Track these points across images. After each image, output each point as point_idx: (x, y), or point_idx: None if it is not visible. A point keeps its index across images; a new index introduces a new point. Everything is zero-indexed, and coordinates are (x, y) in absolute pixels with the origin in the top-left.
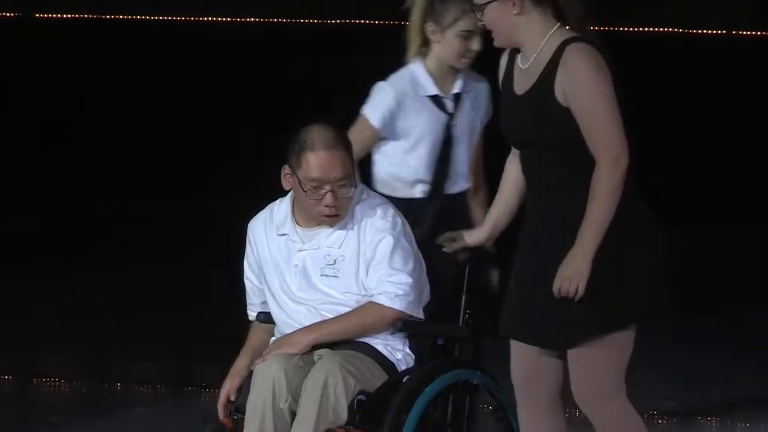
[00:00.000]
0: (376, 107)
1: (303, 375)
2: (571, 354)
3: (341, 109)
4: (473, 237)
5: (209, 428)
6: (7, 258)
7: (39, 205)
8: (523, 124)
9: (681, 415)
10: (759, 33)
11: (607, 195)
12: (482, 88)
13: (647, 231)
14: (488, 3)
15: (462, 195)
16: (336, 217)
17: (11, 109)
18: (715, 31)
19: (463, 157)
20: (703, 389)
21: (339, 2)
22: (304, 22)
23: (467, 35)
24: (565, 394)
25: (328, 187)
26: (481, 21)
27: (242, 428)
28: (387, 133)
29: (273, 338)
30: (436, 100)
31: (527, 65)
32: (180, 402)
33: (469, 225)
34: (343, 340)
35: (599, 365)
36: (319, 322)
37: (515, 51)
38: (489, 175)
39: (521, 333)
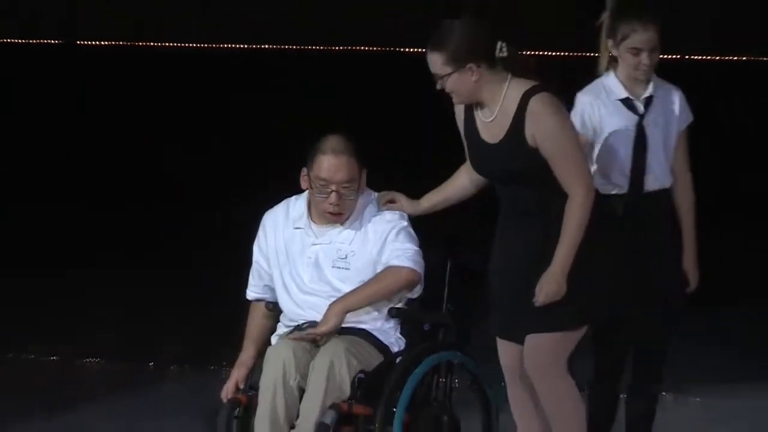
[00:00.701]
0: (575, 116)
1: (309, 357)
2: (533, 336)
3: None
4: (410, 206)
5: (229, 403)
6: (57, 255)
7: (91, 214)
8: (502, 167)
9: None
10: (714, 58)
11: (582, 221)
12: (674, 94)
13: (606, 237)
14: (449, 75)
15: (659, 193)
16: (339, 215)
17: (53, 128)
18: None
19: (658, 155)
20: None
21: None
22: (312, 48)
23: (635, 52)
24: None
25: (333, 187)
26: (442, 87)
27: (256, 403)
28: (587, 134)
29: (279, 324)
30: (627, 102)
31: (492, 118)
32: (204, 378)
33: (665, 222)
34: (369, 304)
35: (556, 347)
36: (344, 295)
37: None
38: None
39: (505, 332)
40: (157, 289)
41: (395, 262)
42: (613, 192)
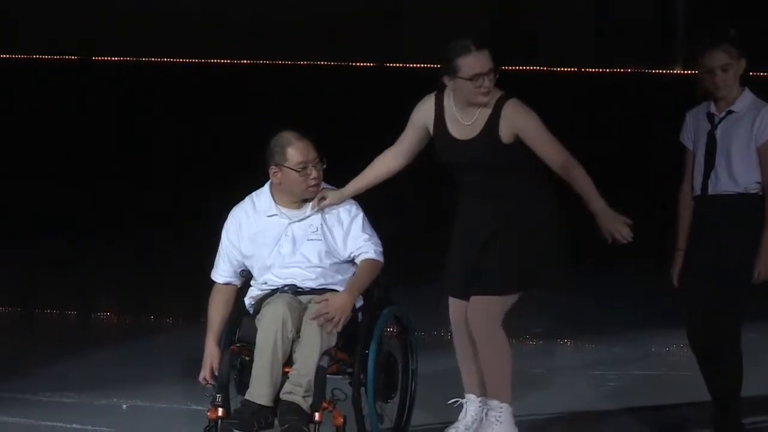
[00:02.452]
0: (683, 131)
1: (298, 314)
2: (476, 298)
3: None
4: (338, 197)
5: (227, 353)
6: (78, 229)
7: (97, 198)
8: (472, 159)
9: (544, 338)
10: (603, 70)
11: (582, 169)
12: (761, 112)
13: (558, 219)
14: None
15: (723, 197)
16: (317, 187)
17: (71, 135)
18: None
19: (724, 163)
20: (561, 321)
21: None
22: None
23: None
24: None
25: (310, 165)
26: (491, 81)
27: (245, 353)
28: (688, 145)
29: (251, 288)
30: (708, 115)
31: (472, 121)
32: (194, 329)
33: (730, 222)
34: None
35: (493, 307)
36: (349, 288)
37: (441, 107)
38: None
39: (455, 291)
40: (155, 257)
41: (373, 256)
42: (694, 193)
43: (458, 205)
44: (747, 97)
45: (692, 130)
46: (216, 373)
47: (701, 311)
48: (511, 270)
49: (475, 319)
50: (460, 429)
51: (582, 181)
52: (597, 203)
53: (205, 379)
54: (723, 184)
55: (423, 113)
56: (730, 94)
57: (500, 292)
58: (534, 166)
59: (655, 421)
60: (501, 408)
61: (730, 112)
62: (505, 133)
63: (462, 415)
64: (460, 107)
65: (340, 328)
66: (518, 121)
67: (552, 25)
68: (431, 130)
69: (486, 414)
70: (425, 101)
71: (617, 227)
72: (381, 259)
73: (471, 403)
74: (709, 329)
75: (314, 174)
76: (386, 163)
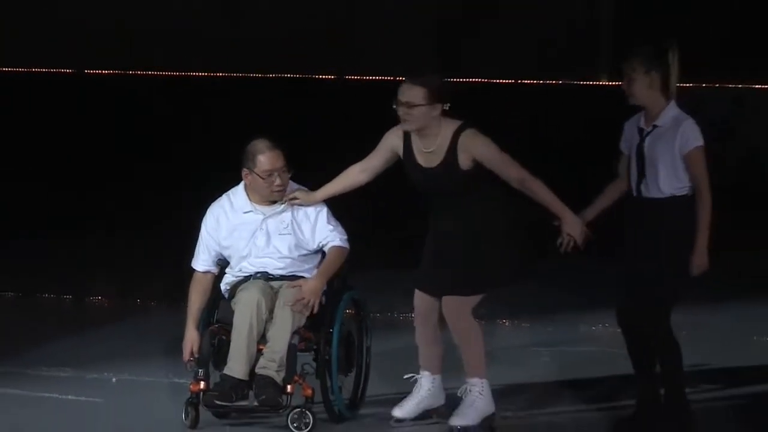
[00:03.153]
0: (621, 139)
1: (271, 298)
2: (450, 297)
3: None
4: (308, 198)
5: (207, 333)
6: (71, 223)
7: (93, 201)
8: (438, 185)
9: (486, 319)
10: (543, 82)
11: (540, 181)
12: (681, 125)
13: (512, 224)
14: (420, 106)
15: (655, 200)
16: (282, 192)
17: (65, 149)
18: (505, 81)
19: (653, 172)
20: (502, 304)
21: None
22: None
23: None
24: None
25: (276, 173)
26: (404, 113)
27: (223, 333)
28: (625, 151)
29: (226, 274)
30: (639, 129)
31: (432, 149)
32: (177, 312)
33: (661, 223)
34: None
35: (466, 304)
36: (318, 273)
37: (408, 137)
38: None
39: (425, 287)
40: (142, 248)
41: (340, 243)
42: (632, 194)
43: (430, 214)
44: (671, 111)
45: (628, 139)
46: (196, 355)
47: (636, 299)
48: (476, 274)
49: (451, 314)
50: (416, 398)
51: (541, 192)
52: (560, 207)
53: (187, 359)
54: (653, 190)
55: (393, 140)
56: (652, 108)
57: (469, 293)
58: (492, 180)
59: (583, 392)
60: (482, 383)
61: (654, 126)
62: (464, 161)
63: (417, 388)
64: (418, 135)
65: (317, 309)
66: (475, 150)
67: (490, 39)
68: (401, 156)
69: (469, 390)
70: (395, 130)
71: (580, 234)
72: (347, 245)
73: (425, 379)
74: (641, 316)
75: (278, 182)
76: (352, 177)
